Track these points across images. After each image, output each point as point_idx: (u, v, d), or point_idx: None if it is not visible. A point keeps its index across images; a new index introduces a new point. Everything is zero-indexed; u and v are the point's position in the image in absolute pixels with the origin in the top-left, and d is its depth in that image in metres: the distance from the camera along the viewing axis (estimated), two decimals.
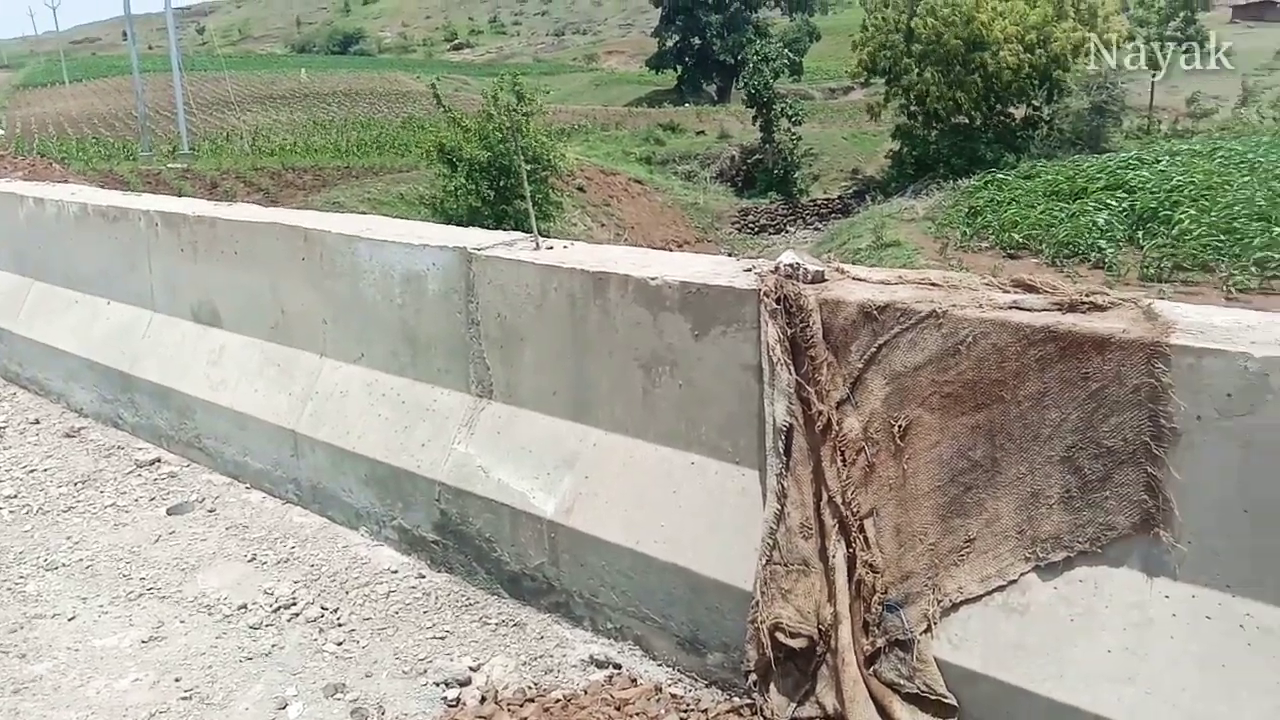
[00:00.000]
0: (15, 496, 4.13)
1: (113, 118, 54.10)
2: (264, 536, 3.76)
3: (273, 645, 3.05)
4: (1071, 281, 2.69)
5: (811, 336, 2.48)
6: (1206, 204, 14.64)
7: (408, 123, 50.67)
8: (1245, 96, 43.55)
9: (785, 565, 2.47)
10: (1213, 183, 16.66)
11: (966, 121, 32.89)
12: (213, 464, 4.35)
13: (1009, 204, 18.57)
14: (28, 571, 3.52)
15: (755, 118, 42.91)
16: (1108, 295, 2.26)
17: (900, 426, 2.36)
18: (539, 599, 3.16)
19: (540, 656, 2.94)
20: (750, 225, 39.68)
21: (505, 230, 3.80)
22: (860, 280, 2.61)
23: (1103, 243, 13.17)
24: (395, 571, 3.47)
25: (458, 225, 4.09)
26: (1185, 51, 39.35)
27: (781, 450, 2.50)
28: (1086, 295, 2.25)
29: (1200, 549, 1.97)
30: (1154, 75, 39.99)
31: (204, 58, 70.40)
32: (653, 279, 2.83)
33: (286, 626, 3.15)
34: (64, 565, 3.57)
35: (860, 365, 2.43)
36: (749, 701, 2.52)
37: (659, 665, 2.83)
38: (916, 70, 32.52)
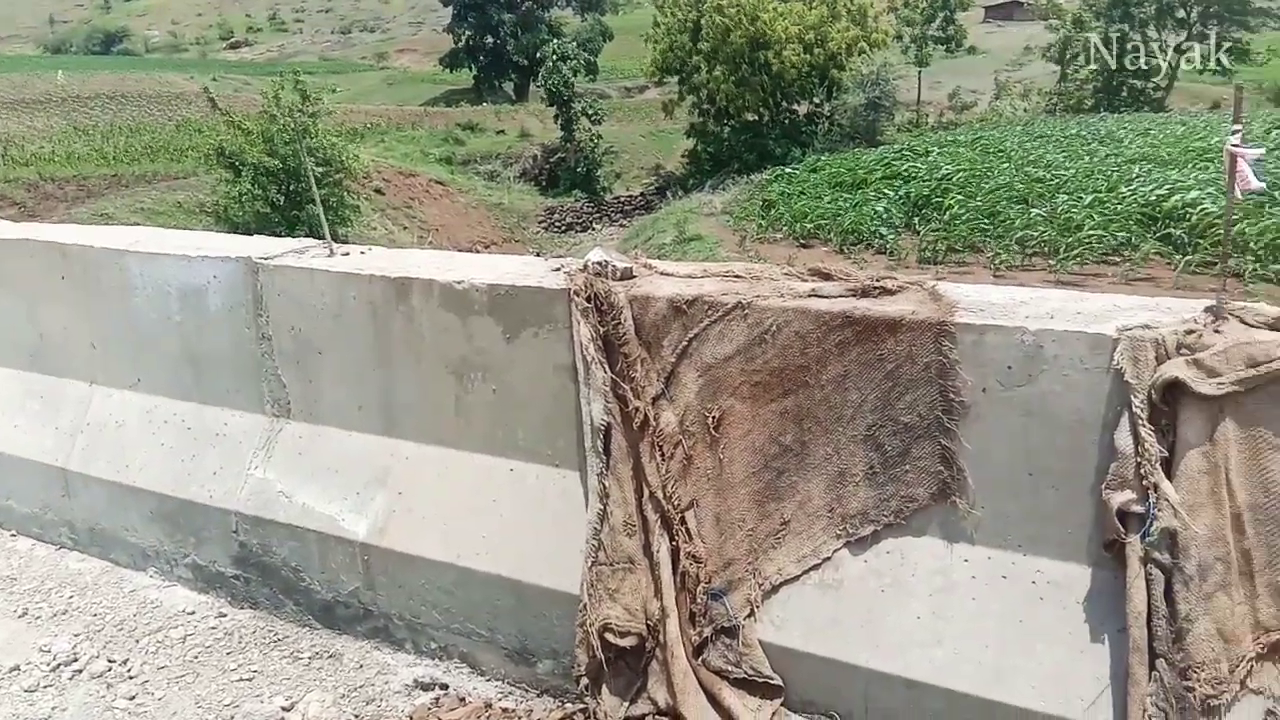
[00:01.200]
0: None
1: None
2: (36, 588, 3.37)
3: (53, 708, 2.73)
4: (859, 267, 2.83)
5: (624, 333, 2.47)
6: (972, 190, 16.00)
7: (183, 126, 47.16)
8: (999, 90, 47.86)
9: (611, 565, 2.45)
10: (976, 170, 18.26)
11: (755, 118, 34.48)
12: None
13: (799, 196, 19.58)
14: None
15: (556, 116, 42.97)
16: (896, 279, 2.37)
17: (714, 417, 2.39)
18: (355, 626, 2.99)
19: (360, 687, 2.79)
20: (557, 224, 39.72)
21: (297, 238, 3.57)
22: (668, 275, 2.63)
23: (883, 230, 14.14)
24: (192, 613, 3.19)
25: (245, 234, 3.80)
26: (946, 47, 43.01)
27: (601, 449, 2.48)
28: (877, 280, 2.35)
29: (993, 513, 2.11)
30: (919, 71, 43.31)
31: None
32: (459, 282, 2.74)
33: (69, 685, 2.83)
34: None
35: (673, 359, 2.44)
36: (582, 706, 2.49)
37: (488, 680, 2.75)
38: (706, 69, 33.69)
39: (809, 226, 16.01)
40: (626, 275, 2.61)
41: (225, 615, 3.16)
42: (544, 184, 43.10)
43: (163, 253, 3.26)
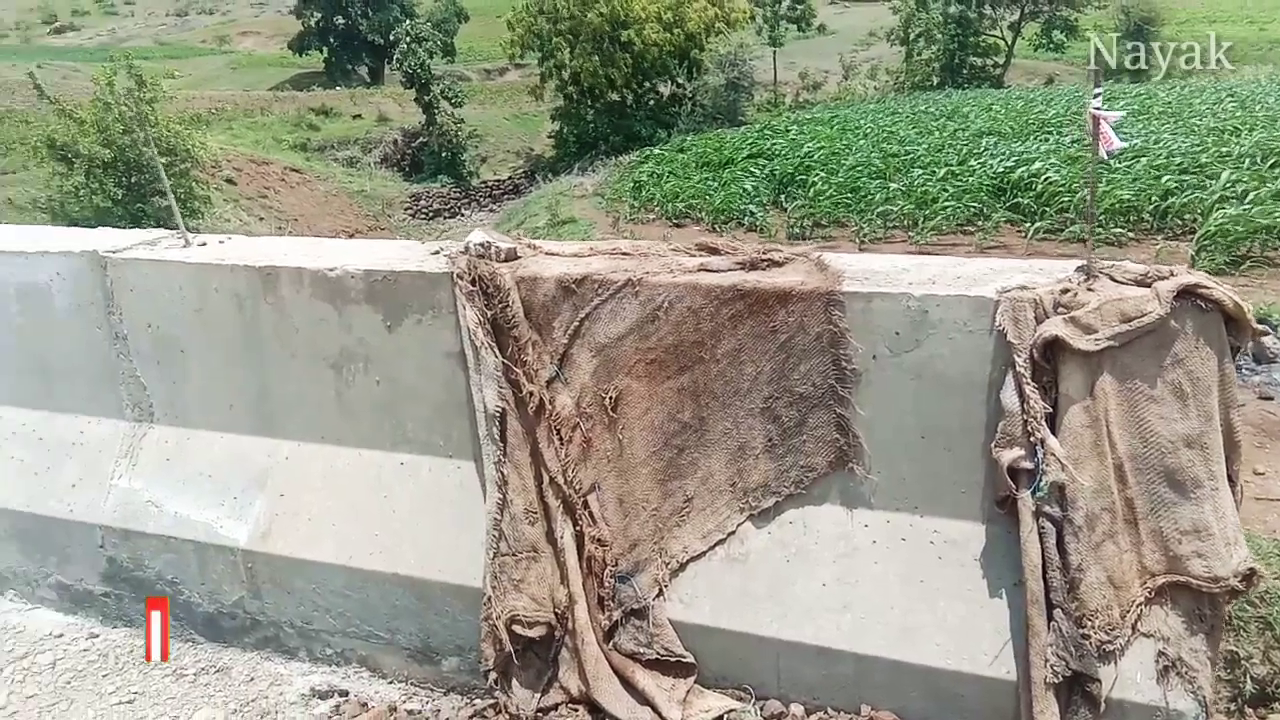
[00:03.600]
0: None
1: None
2: None
3: None
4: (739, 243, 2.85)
5: (513, 316, 2.40)
6: (834, 167, 16.45)
7: (7, 117, 43.63)
8: (847, 71, 49.38)
9: (514, 555, 2.39)
10: (836, 148, 18.76)
11: (620, 100, 34.43)
12: None
13: (668, 176, 19.65)
14: None
15: (416, 99, 41.82)
16: (781, 251, 2.40)
17: (611, 398, 2.36)
18: (243, 637, 2.83)
19: (253, 700, 2.65)
20: (424, 211, 38.74)
21: (146, 229, 3.33)
22: (554, 255, 2.57)
23: (752, 207, 14.35)
24: (60, 635, 2.96)
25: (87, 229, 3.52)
26: (798, 26, 44.14)
27: (497, 437, 2.41)
28: (764, 252, 2.37)
29: (889, 477, 2.17)
30: (775, 50, 44.25)
31: None
32: (331, 270, 2.61)
33: None
34: None
35: (565, 340, 2.40)
36: (492, 701, 2.43)
37: (390, 683, 2.66)
38: (568, 49, 33.42)
39: (680, 206, 16.11)
40: (511, 256, 2.54)
41: (98, 636, 2.94)
42: (407, 169, 41.93)
43: None
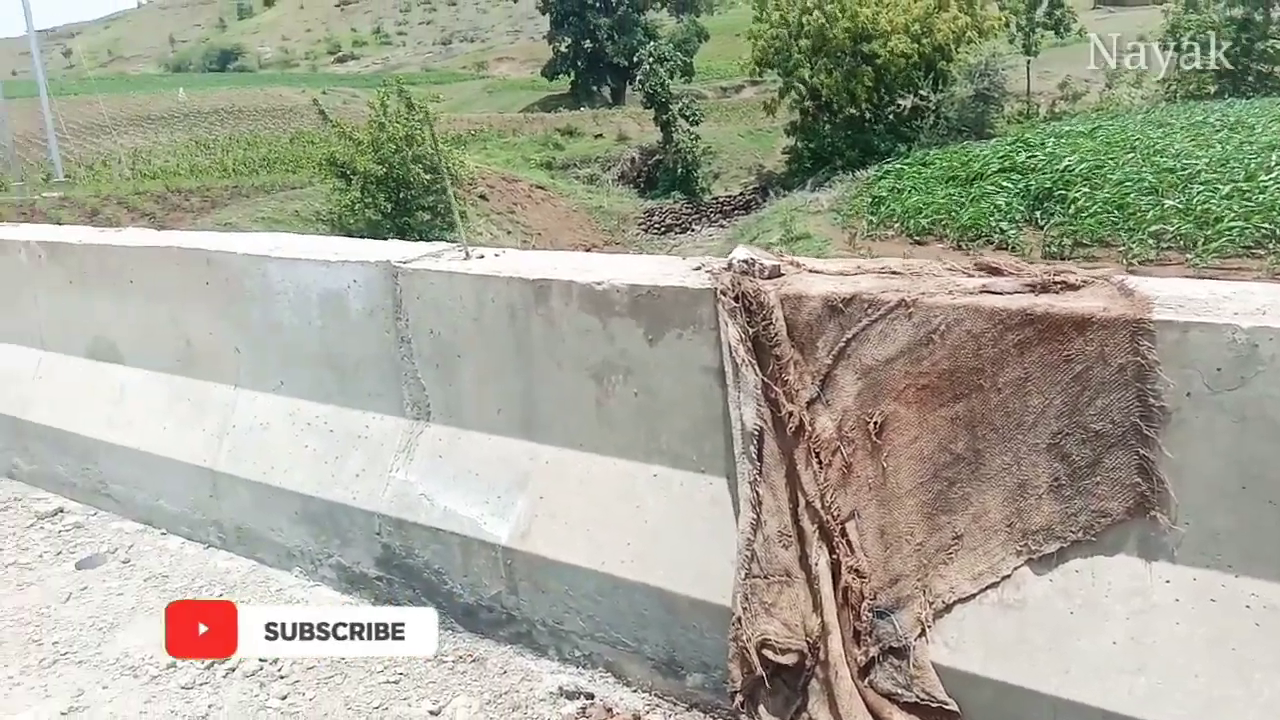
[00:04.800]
0: None
1: None
2: (187, 586, 3.47)
3: (209, 706, 2.78)
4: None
5: (775, 334, 2.36)
6: (1098, 182, 15.27)
7: (297, 138, 49.16)
8: (1111, 79, 45.72)
9: (766, 577, 2.34)
10: (1100, 161, 17.40)
11: (858, 114, 33.75)
12: (122, 510, 4.00)
13: (910, 192, 19.03)
14: None
15: (655, 119, 43.06)
16: (1076, 273, 2.20)
17: (876, 423, 2.26)
18: (498, 630, 2.97)
19: (505, 693, 2.76)
20: (656, 226, 39.83)
21: (430, 243, 3.58)
22: (818, 272, 2.51)
23: (1004, 224, 13.59)
24: None
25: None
26: (1055, 32, 41.34)
27: (753, 456, 2.38)
28: (1056, 274, 2.19)
29: (1199, 529, 1.93)
30: (1029, 59, 41.74)
31: (73, 81, 66.93)
32: (599, 283, 2.68)
33: (223, 684, 2.88)
34: None
35: (829, 361, 2.32)
36: None
37: (635, 692, 2.68)
38: (808, 65, 33.17)
39: (923, 223, 15.55)
40: (775, 273, 2.51)
41: None
42: (642, 186, 43.28)
43: (302, 258, 3.31)
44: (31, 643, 3.10)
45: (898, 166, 23.92)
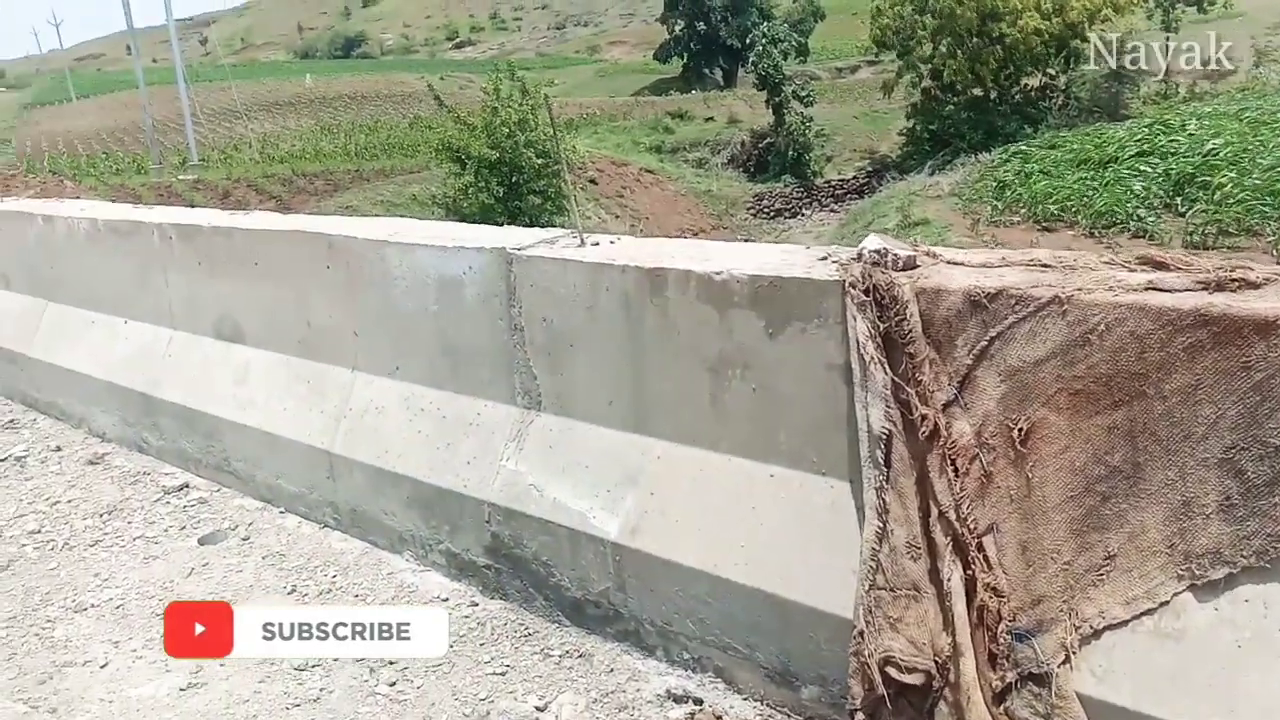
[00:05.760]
0: (39, 531, 3.91)
1: (121, 132, 54.10)
2: (303, 565, 3.53)
3: (320, 690, 2.81)
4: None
5: (909, 331, 2.20)
6: (1246, 167, 14.18)
7: (415, 123, 50.48)
8: (1259, 57, 42.55)
9: (892, 590, 2.19)
10: (1248, 145, 16.16)
11: (982, 94, 32.33)
12: (244, 488, 4.12)
13: (1038, 176, 18.07)
14: (55, 614, 3.30)
15: (767, 101, 42.43)
16: (1255, 269, 1.97)
17: (1021, 430, 2.08)
18: (605, 627, 2.90)
19: (612, 692, 2.69)
20: (765, 210, 39.30)
21: (545, 229, 3.53)
22: (958, 264, 2.33)
23: (1142, 211, 12.73)
24: (446, 599, 3.23)
25: (473, 224, 3.82)
26: (1198, 7, 38.71)
27: (881, 460, 2.23)
28: (1233, 270, 1.96)
29: None
30: (1168, 36, 39.25)
31: (208, 68, 70.42)
32: (717, 273, 2.56)
33: (335, 667, 2.90)
34: (93, 606, 3.34)
35: (969, 361, 2.15)
36: None
37: (745, 700, 2.57)
38: (931, 44, 31.97)
39: (1051, 209, 14.73)
40: (909, 265, 2.34)
41: (477, 605, 3.17)
42: (752, 170, 42.72)
43: (420, 243, 3.30)
44: (154, 616, 3.20)
45: (1023, 149, 22.75)
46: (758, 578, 2.50)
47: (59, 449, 4.80)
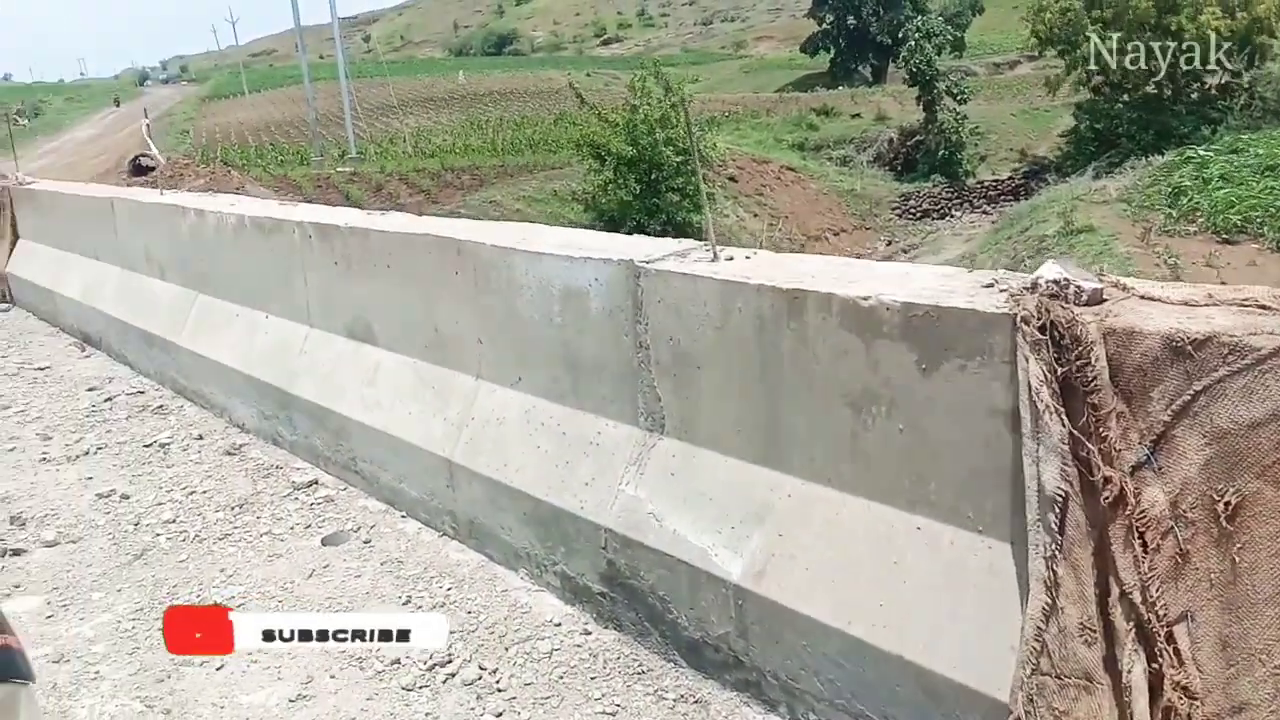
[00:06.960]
0: (174, 521, 4.01)
1: (288, 125, 57.30)
2: (419, 574, 3.46)
3: (427, 714, 2.71)
4: None
5: (1093, 378, 1.89)
6: None
7: (559, 119, 51.37)
8: None
9: (1059, 677, 1.89)
10: None
11: (1156, 92, 30.03)
12: (369, 488, 4.11)
13: (1218, 182, 16.58)
14: None
15: (918, 98, 40.98)
16: None
17: (1228, 504, 1.74)
18: (723, 674, 2.69)
19: None
20: (911, 211, 37.98)
21: (659, 226, 3.34)
22: (1154, 300, 1.99)
23: None
24: (558, 624, 3.08)
25: (610, 221, 3.65)
26: None
27: (1052, 525, 1.92)
28: None
29: None
30: None
31: (369, 65, 73.80)
32: (864, 298, 2.30)
33: (442, 689, 2.80)
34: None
35: (1166, 418, 1.82)
36: None
37: None
38: (1100, 38, 29.96)
39: (1234, 219, 13.41)
40: (1095, 299, 2.01)
41: (590, 633, 3.01)
42: (899, 169, 41.36)
43: (547, 252, 3.16)
44: None
45: (1202, 153, 20.96)
46: (898, 643, 2.23)
47: (201, 437, 4.96)
